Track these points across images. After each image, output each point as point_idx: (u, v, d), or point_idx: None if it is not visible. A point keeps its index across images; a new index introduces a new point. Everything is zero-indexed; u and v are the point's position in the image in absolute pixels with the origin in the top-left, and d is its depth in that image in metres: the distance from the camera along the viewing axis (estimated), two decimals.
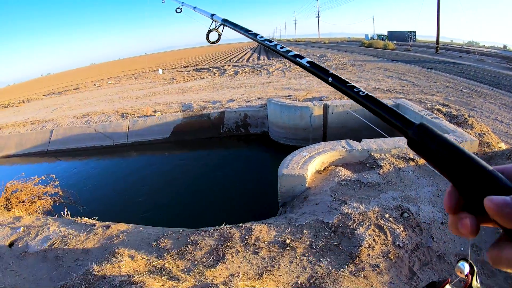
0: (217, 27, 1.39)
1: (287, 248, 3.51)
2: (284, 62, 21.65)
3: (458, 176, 0.35)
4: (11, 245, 4.08)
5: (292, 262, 3.31)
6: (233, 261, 3.36)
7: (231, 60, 32.34)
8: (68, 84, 33.71)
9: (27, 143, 10.97)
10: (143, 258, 3.46)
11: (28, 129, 11.64)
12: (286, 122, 8.93)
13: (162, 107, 11.78)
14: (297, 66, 0.69)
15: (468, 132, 5.99)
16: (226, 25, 1.31)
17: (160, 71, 24.16)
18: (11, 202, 5.36)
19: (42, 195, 5.70)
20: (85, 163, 10.01)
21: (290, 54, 0.72)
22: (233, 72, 20.72)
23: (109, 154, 10.36)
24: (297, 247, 3.50)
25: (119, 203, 7.12)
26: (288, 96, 10.89)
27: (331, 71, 0.59)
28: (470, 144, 5.45)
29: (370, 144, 5.54)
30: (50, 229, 4.24)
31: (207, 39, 1.45)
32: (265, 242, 3.61)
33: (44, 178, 5.89)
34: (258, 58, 29.83)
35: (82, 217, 4.64)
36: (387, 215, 3.86)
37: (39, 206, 5.51)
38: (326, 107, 8.47)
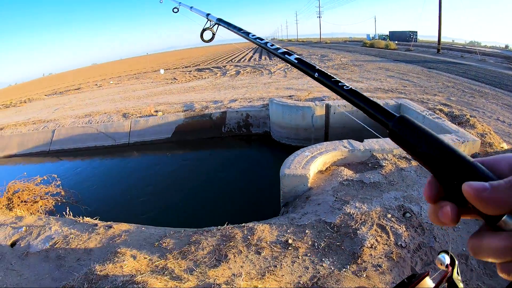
0: (211, 26, 1.42)
1: (290, 248, 3.50)
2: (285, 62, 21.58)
3: (438, 165, 0.36)
4: (13, 244, 4.08)
5: (294, 262, 3.31)
6: (235, 261, 3.35)
7: (233, 60, 32.35)
8: (70, 84, 33.79)
9: (29, 143, 10.99)
10: (145, 258, 3.46)
11: (30, 129, 11.67)
12: (288, 122, 8.93)
13: (163, 107, 11.78)
14: None
15: (470, 132, 5.98)
16: (220, 24, 1.33)
17: (162, 71, 24.18)
18: (13, 202, 5.38)
19: (44, 195, 5.71)
20: (87, 163, 10.03)
21: (279, 51, 0.75)
22: (234, 72, 20.72)
23: (111, 154, 10.38)
24: (300, 247, 3.49)
25: (121, 203, 7.13)
26: (290, 96, 10.88)
27: (317, 67, 0.61)
28: (472, 144, 5.44)
29: (372, 144, 5.53)
30: (52, 229, 4.25)
31: (201, 38, 1.48)
32: (268, 242, 3.61)
33: (46, 178, 5.91)
34: (260, 58, 29.83)
35: (84, 217, 4.65)
36: (389, 215, 3.85)
37: (41, 206, 5.52)
38: (328, 107, 8.47)
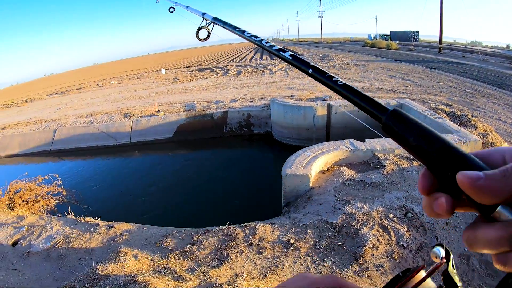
0: (207, 25, 1.43)
1: (291, 248, 3.50)
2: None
3: (431, 157, 0.36)
4: (14, 244, 4.09)
5: (296, 262, 3.30)
6: (237, 261, 3.35)
7: (234, 60, 32.36)
8: (71, 84, 33.84)
9: (30, 142, 11.01)
10: (147, 258, 3.46)
11: (31, 128, 11.69)
12: (290, 122, 8.92)
13: (165, 107, 11.79)
14: None
15: (471, 132, 5.96)
16: (216, 23, 1.35)
17: (163, 71, 24.20)
18: (14, 201, 5.38)
19: (45, 195, 5.73)
20: (88, 162, 10.04)
21: (274, 48, 0.76)
22: (236, 72, 20.72)
23: (112, 154, 10.39)
24: (301, 247, 3.49)
25: (122, 203, 7.13)
26: (291, 96, 10.88)
27: (312, 63, 0.62)
28: (474, 144, 5.42)
29: (374, 144, 5.52)
30: (53, 229, 4.25)
31: (196, 36, 1.48)
32: (269, 242, 3.60)
33: (47, 178, 5.92)
34: (261, 58, 29.83)
35: (86, 216, 4.66)
36: (391, 215, 3.85)
37: (42, 206, 5.53)
38: (329, 107, 8.46)
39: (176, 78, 21.35)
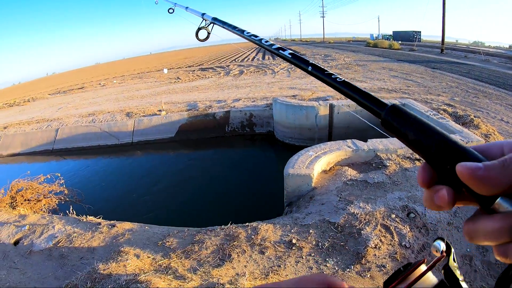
0: (206, 25, 1.44)
1: (293, 248, 3.49)
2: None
3: (431, 151, 0.37)
4: (16, 243, 4.09)
5: (298, 262, 3.29)
6: (239, 260, 3.34)
7: (236, 60, 32.37)
8: (74, 83, 33.92)
9: (32, 141, 11.04)
10: (148, 257, 3.46)
11: (33, 128, 11.72)
12: (292, 121, 8.91)
13: (167, 106, 11.79)
14: None
15: (474, 133, 5.94)
16: (215, 23, 1.35)
17: (165, 71, 24.19)
18: (16, 200, 5.39)
19: (47, 194, 5.73)
20: (90, 162, 10.06)
21: (273, 47, 0.77)
22: (238, 72, 20.72)
23: (114, 153, 10.40)
24: (303, 247, 3.48)
25: (124, 202, 7.14)
26: (293, 95, 10.86)
27: (311, 61, 0.63)
28: (476, 144, 5.40)
29: (376, 144, 5.51)
30: (55, 228, 4.25)
31: (196, 37, 1.49)
32: (271, 242, 3.60)
33: (49, 177, 5.93)
34: (263, 58, 29.82)
35: (87, 215, 4.66)
36: (393, 215, 3.83)
37: (44, 205, 5.53)
38: (331, 106, 8.44)
39: (178, 78, 21.37)
